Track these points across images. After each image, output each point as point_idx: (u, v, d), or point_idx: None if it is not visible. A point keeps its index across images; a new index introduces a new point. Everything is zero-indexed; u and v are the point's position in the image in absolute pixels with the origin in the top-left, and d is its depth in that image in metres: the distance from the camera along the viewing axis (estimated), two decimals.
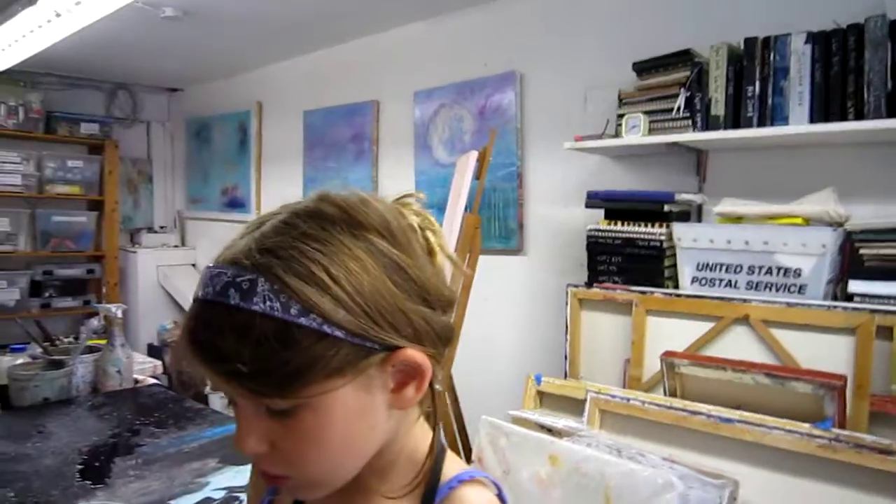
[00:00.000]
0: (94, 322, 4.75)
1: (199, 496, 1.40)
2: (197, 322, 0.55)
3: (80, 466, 1.56)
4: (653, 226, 2.43)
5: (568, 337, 2.46)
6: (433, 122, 3.46)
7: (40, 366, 2.09)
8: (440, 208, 3.46)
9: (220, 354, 0.53)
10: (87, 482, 1.47)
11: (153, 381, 2.32)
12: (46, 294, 4.54)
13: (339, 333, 0.54)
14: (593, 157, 2.88)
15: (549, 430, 2.10)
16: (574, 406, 2.15)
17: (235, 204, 4.67)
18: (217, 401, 3.93)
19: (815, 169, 2.27)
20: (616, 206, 2.54)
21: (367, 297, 0.55)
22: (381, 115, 3.77)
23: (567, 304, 2.47)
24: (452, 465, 0.67)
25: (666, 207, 2.41)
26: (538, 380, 2.28)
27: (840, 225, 2.09)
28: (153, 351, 4.69)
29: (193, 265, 5.10)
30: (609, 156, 2.82)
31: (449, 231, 2.61)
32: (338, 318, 0.54)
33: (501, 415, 2.32)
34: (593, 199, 2.60)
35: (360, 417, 0.58)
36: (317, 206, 0.60)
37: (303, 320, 0.53)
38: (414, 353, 0.59)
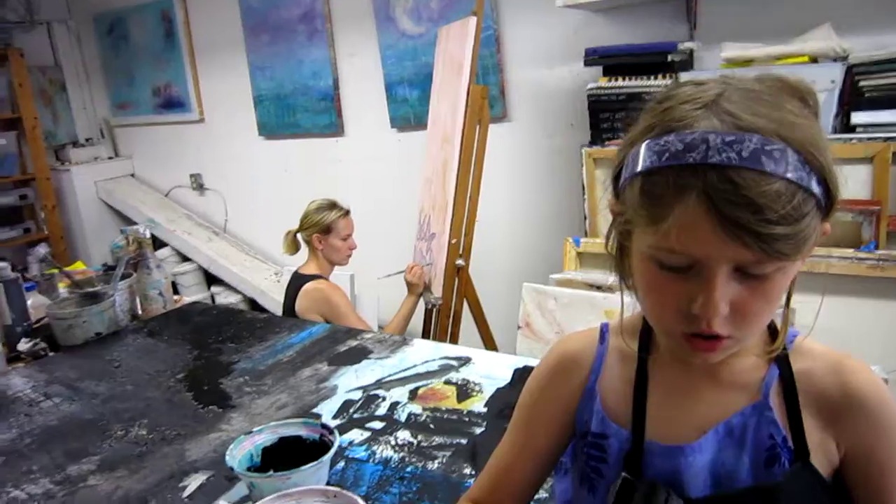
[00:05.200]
0: (41, 250, 4.46)
1: (338, 400, 1.42)
2: (716, 187, 0.57)
3: (189, 393, 1.53)
4: (656, 78, 2.46)
5: (586, 197, 2.52)
6: None
7: (76, 301, 1.98)
8: (411, 84, 3.37)
9: (749, 217, 0.57)
10: (212, 406, 1.46)
11: (188, 299, 2.24)
12: None
13: (823, 203, 0.60)
14: (576, 14, 2.83)
15: (598, 288, 2.21)
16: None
17: (172, 104, 4.34)
18: None
19: (808, 5, 2.32)
20: (617, 61, 2.54)
21: (833, 171, 0.61)
22: None
23: (583, 164, 2.51)
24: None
25: (669, 58, 2.44)
26: (577, 242, 2.36)
27: (844, 59, 2.18)
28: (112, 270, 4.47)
29: (132, 175, 4.79)
30: (593, 10, 2.77)
31: (453, 105, 2.56)
32: (826, 189, 0.60)
33: (525, 282, 2.40)
34: (592, 57, 2.59)
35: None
36: (758, 77, 0.64)
37: (815, 189, 0.59)
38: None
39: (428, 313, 2.72)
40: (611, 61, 2.56)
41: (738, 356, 0.70)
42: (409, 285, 2.65)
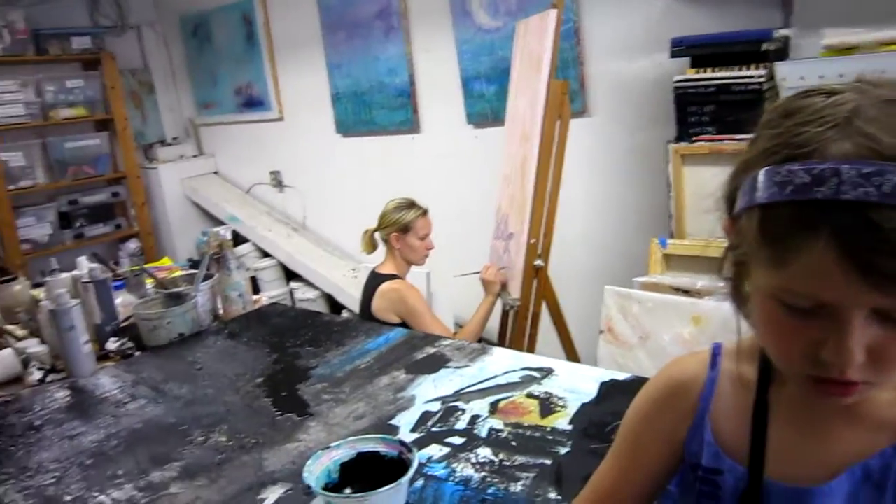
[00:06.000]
0: (131, 246, 4.66)
1: (416, 412, 1.38)
2: (850, 229, 0.49)
3: (268, 399, 1.53)
4: (748, 68, 2.32)
5: (672, 195, 2.41)
6: None
7: (160, 302, 2.02)
8: (489, 79, 3.31)
9: (892, 264, 0.48)
10: (291, 413, 1.45)
11: (266, 299, 2.26)
12: (77, 224, 4.40)
13: None
14: (658, 2, 2.70)
15: (686, 293, 2.10)
16: (702, 265, 2.14)
17: (253, 103, 4.43)
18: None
19: None
20: (706, 51, 2.41)
21: None
22: None
23: (669, 161, 2.39)
24: None
25: (764, 46, 2.29)
26: (663, 243, 2.25)
27: None
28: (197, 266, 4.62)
29: (216, 172, 4.92)
30: None
31: (532, 101, 2.48)
32: None
33: (607, 284, 2.31)
34: (679, 47, 2.46)
35: None
36: None
37: None
38: None
39: (505, 315, 2.66)
40: (699, 51, 2.43)
41: (879, 389, 0.61)
42: (486, 285, 2.61)
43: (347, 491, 1.10)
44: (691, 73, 2.44)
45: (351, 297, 3.78)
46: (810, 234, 0.50)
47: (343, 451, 1.13)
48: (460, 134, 3.49)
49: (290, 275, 4.35)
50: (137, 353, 1.90)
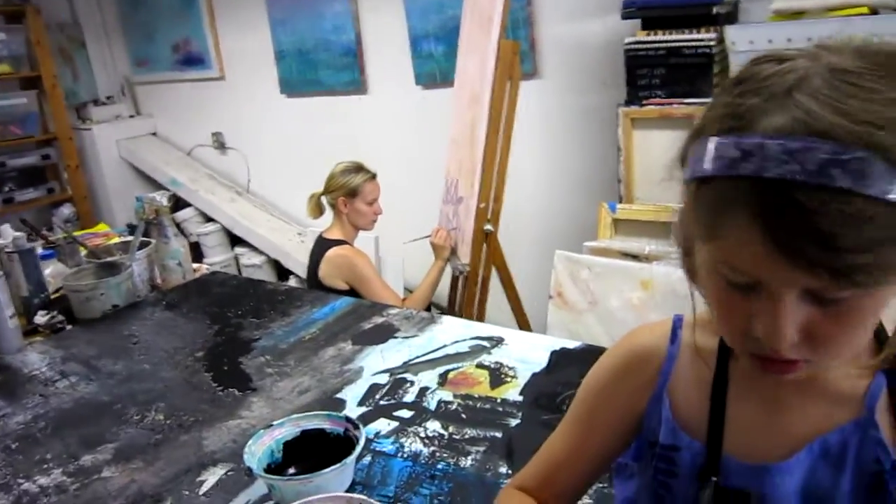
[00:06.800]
0: (65, 211, 4.44)
1: (363, 384, 1.34)
2: (772, 208, 0.46)
3: (208, 374, 1.47)
4: (699, 31, 2.30)
5: (622, 159, 2.39)
6: None
7: (92, 272, 1.92)
8: (437, 38, 3.22)
9: (814, 248, 0.45)
10: (232, 389, 1.39)
11: (207, 268, 2.18)
12: (6, 189, 4.16)
13: None
14: None
15: (635, 257, 2.10)
16: (651, 230, 2.13)
17: (192, 61, 4.23)
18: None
19: None
20: (657, 13, 2.38)
21: None
22: None
23: (619, 125, 2.37)
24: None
25: (714, 9, 2.27)
26: (612, 208, 2.24)
27: None
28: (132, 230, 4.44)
29: (154, 134, 4.71)
30: None
31: (482, 61, 2.42)
32: None
33: (558, 249, 2.30)
34: (630, 8, 2.42)
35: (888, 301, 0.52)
36: (861, 48, 0.49)
37: None
38: None
39: (455, 281, 2.63)
40: (651, 13, 2.40)
41: (829, 364, 0.58)
42: (436, 249, 2.57)
43: (291, 471, 1.06)
44: (642, 35, 2.41)
45: (298, 263, 3.69)
46: (737, 211, 0.48)
47: (286, 430, 1.09)
48: (409, 95, 3.40)
49: (234, 240, 4.22)
50: (69, 327, 1.80)
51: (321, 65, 3.66)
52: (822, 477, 0.61)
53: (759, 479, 0.62)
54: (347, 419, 1.08)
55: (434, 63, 3.26)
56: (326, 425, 1.09)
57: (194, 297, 1.91)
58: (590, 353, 1.32)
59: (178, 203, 4.34)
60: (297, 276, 3.80)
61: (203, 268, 2.16)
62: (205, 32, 4.08)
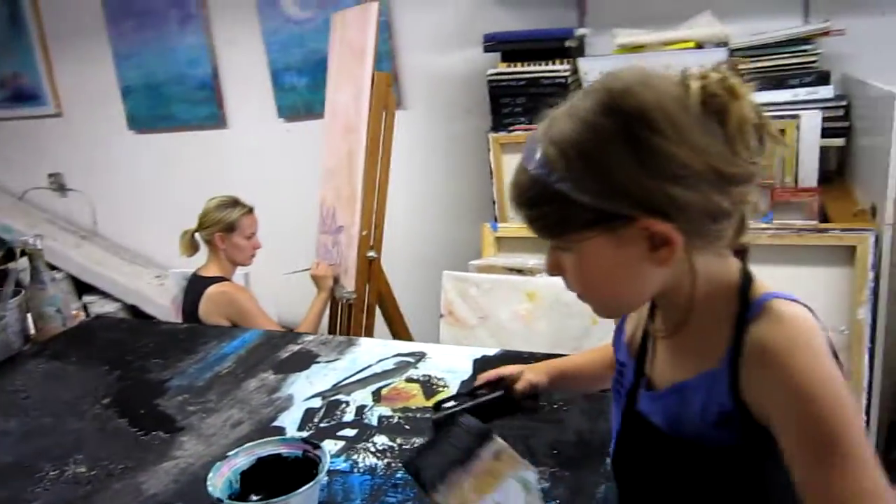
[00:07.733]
0: None
1: (297, 410, 1.35)
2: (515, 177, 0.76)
3: (123, 420, 1.40)
4: (554, 63, 2.53)
5: (494, 181, 2.55)
6: None
7: None
8: (300, 71, 3.25)
9: (520, 204, 0.74)
10: (156, 431, 1.34)
11: (83, 314, 2.04)
12: None
13: (584, 199, 0.68)
14: (465, 1, 2.85)
15: (519, 271, 2.25)
16: (530, 245, 2.30)
17: (23, 97, 3.90)
18: None
19: None
20: (516, 47, 2.58)
21: (604, 173, 0.68)
22: None
23: (490, 149, 2.54)
24: (761, 288, 0.75)
25: (567, 43, 2.51)
26: (494, 227, 2.38)
27: (725, 44, 2.35)
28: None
29: None
30: None
31: (355, 93, 2.49)
32: (583, 187, 0.68)
33: (445, 270, 2.41)
34: (491, 42, 2.61)
35: (617, 265, 0.73)
36: (595, 87, 0.72)
37: (559, 185, 0.69)
38: (655, 224, 0.68)
39: (339, 308, 2.65)
40: (510, 47, 2.60)
41: (704, 316, 0.75)
42: (318, 281, 2.58)
43: (255, 498, 1.06)
44: (503, 67, 2.60)
45: (160, 307, 3.51)
46: None
47: (241, 459, 1.08)
48: (272, 128, 3.39)
49: (81, 288, 3.92)
50: None
51: (174, 99, 3.54)
52: (678, 411, 0.77)
53: (649, 400, 0.83)
54: (304, 440, 1.09)
55: (297, 95, 3.28)
56: (283, 450, 1.09)
57: (81, 344, 1.79)
58: (508, 359, 1.42)
59: (10, 254, 3.95)
60: (158, 321, 3.60)
61: (81, 314, 2.02)
62: (37, 66, 3.79)
